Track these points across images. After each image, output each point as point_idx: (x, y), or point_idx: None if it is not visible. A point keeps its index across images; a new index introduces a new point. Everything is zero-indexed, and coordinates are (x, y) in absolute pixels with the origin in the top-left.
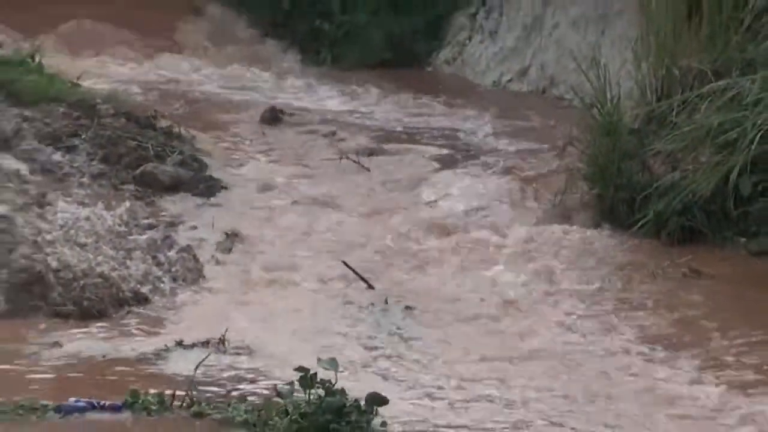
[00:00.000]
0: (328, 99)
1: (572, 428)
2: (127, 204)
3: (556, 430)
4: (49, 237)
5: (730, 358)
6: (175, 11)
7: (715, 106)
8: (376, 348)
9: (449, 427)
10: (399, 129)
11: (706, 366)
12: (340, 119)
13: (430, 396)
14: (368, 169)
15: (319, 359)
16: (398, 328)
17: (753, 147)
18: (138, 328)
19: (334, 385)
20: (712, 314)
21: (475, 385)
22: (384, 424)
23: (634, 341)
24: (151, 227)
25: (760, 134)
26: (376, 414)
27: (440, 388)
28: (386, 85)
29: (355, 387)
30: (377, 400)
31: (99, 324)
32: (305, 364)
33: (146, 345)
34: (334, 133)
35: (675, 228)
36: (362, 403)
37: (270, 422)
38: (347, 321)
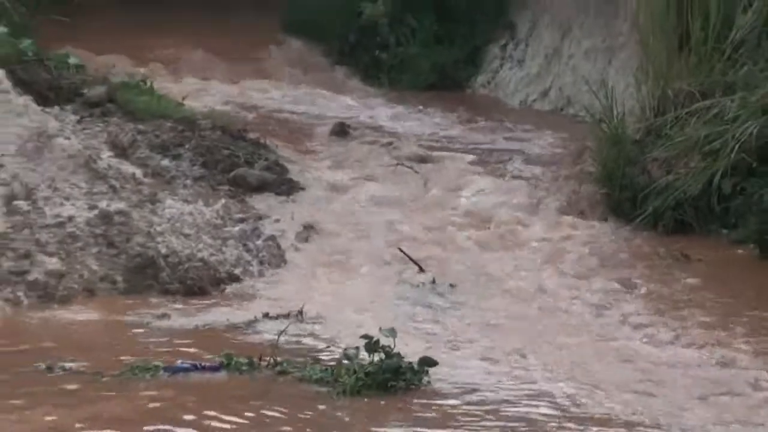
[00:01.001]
0: (386, 116)
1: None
2: (223, 201)
3: (569, 380)
4: (159, 228)
5: (708, 319)
6: (263, 43)
7: (702, 122)
8: (425, 319)
9: (486, 383)
10: (443, 140)
11: (688, 326)
12: (395, 132)
13: (471, 359)
14: (418, 173)
15: (380, 329)
16: (443, 303)
17: (733, 155)
18: (231, 303)
19: (392, 349)
20: (698, 290)
21: (507, 348)
22: (433, 382)
23: (634, 308)
24: (242, 220)
25: (738, 144)
26: (427, 374)
27: (479, 352)
28: (433, 105)
29: (410, 351)
30: (428, 362)
31: (200, 299)
32: (369, 333)
33: (238, 317)
34: (390, 144)
35: (669, 221)
36: (415, 364)
37: (340, 380)
38: (403, 297)
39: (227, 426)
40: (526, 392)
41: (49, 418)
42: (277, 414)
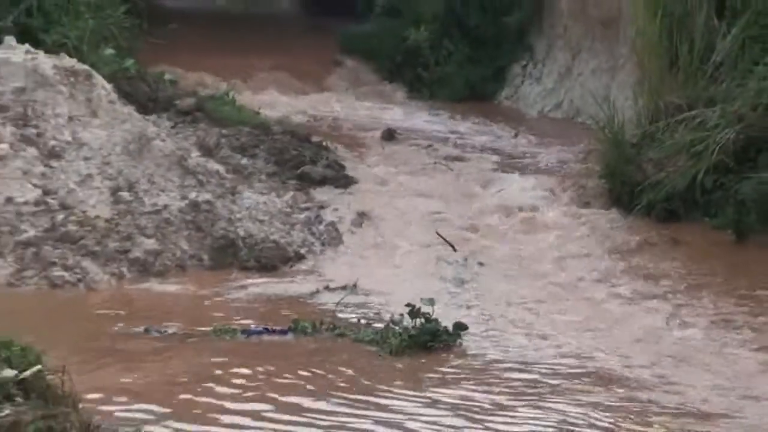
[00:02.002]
0: (426, 123)
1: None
2: (291, 193)
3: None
4: (238, 215)
5: (686, 287)
6: (324, 63)
7: (688, 129)
8: (458, 291)
9: (510, 344)
10: (473, 143)
11: (670, 292)
12: (434, 136)
13: (496, 324)
14: (452, 170)
15: (421, 298)
16: (474, 278)
17: (713, 156)
18: (298, 277)
19: (431, 316)
20: (684, 266)
21: (527, 317)
22: (466, 342)
23: (632, 282)
24: (307, 209)
25: (718, 147)
26: (460, 336)
27: (503, 318)
28: (465, 114)
29: (445, 317)
30: (460, 326)
31: (272, 274)
32: (411, 302)
33: (304, 288)
34: (430, 146)
35: (660, 211)
36: (450, 328)
37: (387, 341)
38: (439, 272)
39: (294, 380)
40: (543, 350)
41: (144, 372)
42: (335, 369)
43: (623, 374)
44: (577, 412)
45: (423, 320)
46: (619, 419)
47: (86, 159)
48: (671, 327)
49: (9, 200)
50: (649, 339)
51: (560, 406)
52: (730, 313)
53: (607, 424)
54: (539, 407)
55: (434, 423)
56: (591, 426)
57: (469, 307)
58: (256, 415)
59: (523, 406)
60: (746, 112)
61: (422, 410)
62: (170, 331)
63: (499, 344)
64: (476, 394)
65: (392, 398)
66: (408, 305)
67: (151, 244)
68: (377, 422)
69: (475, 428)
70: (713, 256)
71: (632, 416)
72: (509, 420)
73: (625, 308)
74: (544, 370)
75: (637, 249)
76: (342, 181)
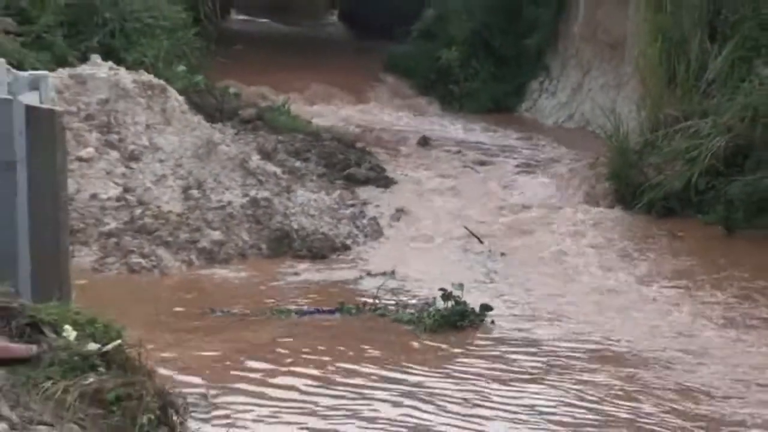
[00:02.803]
0: (456, 131)
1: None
2: (338, 192)
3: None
4: (292, 211)
5: (680, 271)
6: (368, 79)
7: (684, 137)
8: (484, 278)
9: (528, 323)
10: (496, 149)
11: (667, 277)
12: (463, 143)
13: (517, 306)
14: (479, 173)
15: (451, 284)
16: (497, 266)
17: (706, 161)
18: (344, 265)
19: (460, 298)
20: (678, 255)
21: (543, 298)
22: (491, 322)
23: (632, 266)
24: (352, 205)
25: (710, 154)
26: (485, 316)
27: (524, 301)
28: (490, 124)
29: (473, 300)
30: (486, 307)
31: (321, 262)
32: (443, 287)
33: (349, 274)
34: (459, 151)
35: (660, 208)
36: (477, 309)
37: (422, 320)
38: (467, 262)
39: (339, 354)
40: (558, 330)
41: (209, 346)
42: (377, 344)
43: (623, 352)
44: (576, 389)
45: (453, 303)
46: (609, 396)
47: (161, 161)
48: (670, 309)
49: (94, 196)
50: (649, 318)
51: (564, 383)
52: (709, 281)
53: (596, 399)
54: (545, 382)
55: (446, 395)
56: (582, 399)
57: (493, 292)
58: (307, 383)
59: (530, 380)
60: (734, 124)
61: (439, 382)
62: (233, 311)
63: (519, 324)
64: (492, 368)
65: (419, 371)
66: (441, 289)
67: (216, 235)
68: (402, 394)
69: (482, 398)
70: (703, 247)
71: (634, 389)
72: (514, 393)
73: (624, 291)
74: (556, 349)
75: (637, 241)
76: (382, 181)
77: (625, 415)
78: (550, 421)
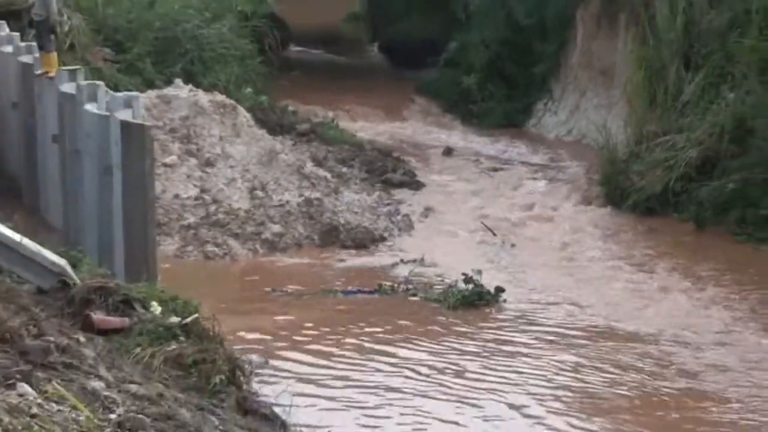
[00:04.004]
0: (475, 143)
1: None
2: (377, 193)
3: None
4: (340, 208)
5: (653, 255)
6: (402, 100)
7: (663, 149)
8: (498, 264)
9: (534, 303)
10: (508, 157)
11: (644, 261)
12: (480, 153)
13: (526, 288)
14: (493, 177)
15: (471, 269)
16: (508, 255)
17: (681, 169)
18: (381, 253)
19: (479, 282)
20: (655, 246)
21: (546, 282)
22: (504, 301)
23: (623, 256)
24: (388, 204)
25: (684, 163)
26: (499, 296)
27: (531, 284)
28: (503, 137)
29: (488, 283)
30: (500, 289)
31: (363, 251)
32: (464, 272)
33: (385, 260)
34: (477, 160)
35: (643, 208)
36: (492, 291)
37: (446, 299)
38: (483, 251)
39: (380, 327)
40: (560, 306)
41: (269, 319)
42: (409, 318)
43: (612, 326)
44: (572, 361)
45: (473, 285)
46: (603, 365)
47: (231, 167)
48: (651, 285)
49: (176, 196)
50: (635, 296)
51: (564, 356)
52: (681, 265)
53: (590, 370)
54: (545, 356)
55: (455, 364)
56: (576, 371)
57: (505, 276)
58: (350, 348)
59: (531, 354)
60: (705, 138)
61: (448, 353)
62: (289, 290)
63: (525, 303)
64: (501, 340)
65: (443, 340)
66: (463, 274)
67: (277, 228)
68: (430, 353)
69: (485, 367)
70: (676, 240)
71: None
72: (515, 363)
73: (618, 273)
74: (559, 325)
75: (623, 234)
76: (414, 184)
77: (597, 378)
78: (542, 383)
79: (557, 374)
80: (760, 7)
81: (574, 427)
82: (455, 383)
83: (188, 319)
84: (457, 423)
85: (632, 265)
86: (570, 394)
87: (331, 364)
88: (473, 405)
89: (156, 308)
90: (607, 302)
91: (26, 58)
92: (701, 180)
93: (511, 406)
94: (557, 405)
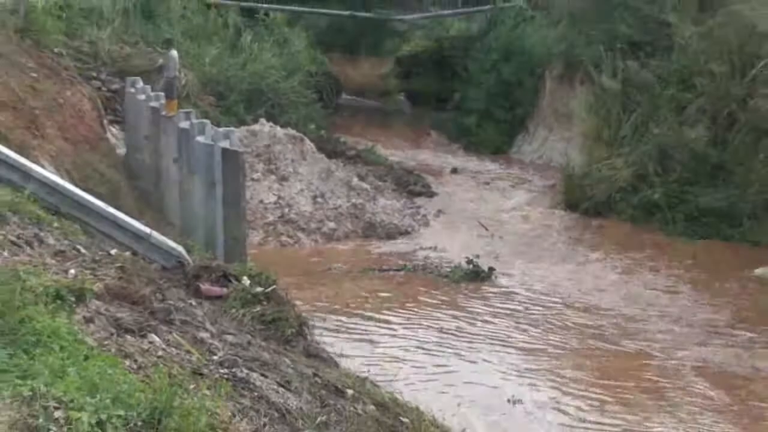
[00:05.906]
0: (474, 164)
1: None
2: (403, 200)
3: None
4: (377, 211)
5: (595, 244)
6: (421, 134)
7: (608, 169)
8: (490, 251)
9: (519, 279)
10: (497, 174)
11: (588, 252)
12: (477, 171)
13: (513, 268)
14: (488, 188)
15: (471, 255)
16: (497, 245)
17: (620, 183)
18: (406, 242)
19: (477, 263)
20: (601, 237)
21: (531, 269)
22: (495, 278)
23: (580, 246)
24: (411, 208)
25: (622, 179)
26: (491, 274)
27: (516, 265)
28: (494, 160)
29: (483, 264)
30: (491, 269)
31: (392, 241)
32: (467, 256)
33: (409, 248)
34: (475, 176)
35: (593, 212)
36: (486, 270)
37: (451, 276)
38: (480, 242)
39: (406, 293)
40: (538, 283)
41: (327, 289)
42: (426, 287)
43: (589, 303)
44: (537, 318)
45: (472, 266)
46: (560, 329)
47: (300, 181)
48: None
49: (261, 201)
50: (587, 273)
51: (533, 316)
52: (615, 249)
53: (561, 343)
54: (517, 314)
55: (457, 327)
56: (549, 346)
57: (496, 259)
58: (386, 310)
59: (512, 314)
60: (637, 161)
61: (449, 317)
62: (342, 268)
63: (512, 280)
64: (489, 305)
65: (451, 303)
66: (465, 257)
67: (332, 225)
68: (440, 310)
69: (473, 329)
70: (617, 233)
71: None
72: (498, 318)
73: (576, 256)
74: (533, 296)
75: (580, 230)
76: (429, 194)
77: (561, 338)
78: (510, 344)
79: (525, 329)
80: (677, 69)
81: (529, 343)
82: (457, 325)
83: (269, 289)
84: (455, 347)
85: (585, 248)
86: (527, 337)
87: (372, 321)
88: (464, 337)
89: (246, 281)
90: (569, 278)
91: (155, 103)
92: (636, 191)
93: (491, 337)
94: (521, 339)
